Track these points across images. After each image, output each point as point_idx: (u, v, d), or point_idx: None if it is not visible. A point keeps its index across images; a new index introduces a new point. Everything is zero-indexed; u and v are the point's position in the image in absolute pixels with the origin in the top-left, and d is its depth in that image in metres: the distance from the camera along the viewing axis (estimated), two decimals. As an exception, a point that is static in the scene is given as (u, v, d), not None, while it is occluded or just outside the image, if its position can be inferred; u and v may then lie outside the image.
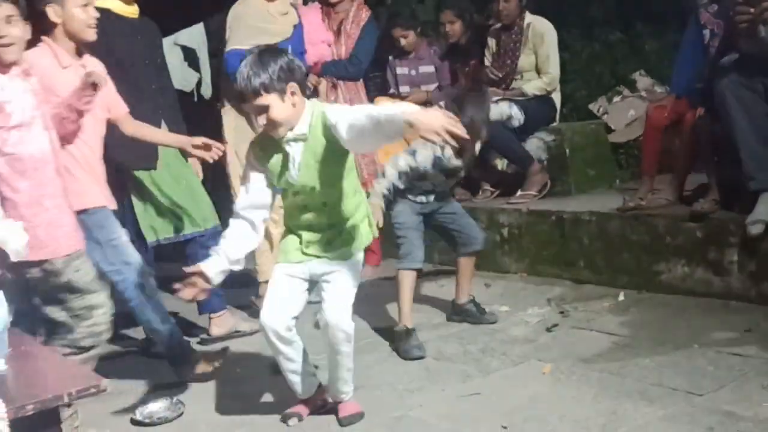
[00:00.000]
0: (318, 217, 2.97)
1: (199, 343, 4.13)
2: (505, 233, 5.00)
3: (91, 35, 3.26)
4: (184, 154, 3.86)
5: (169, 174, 3.99)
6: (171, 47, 5.37)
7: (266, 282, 4.45)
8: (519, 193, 5.14)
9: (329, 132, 2.82)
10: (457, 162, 3.81)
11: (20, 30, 2.77)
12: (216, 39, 4.81)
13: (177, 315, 4.06)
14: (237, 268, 2.93)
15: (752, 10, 3.71)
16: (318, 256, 2.99)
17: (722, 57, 4.08)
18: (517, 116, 4.22)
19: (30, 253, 2.68)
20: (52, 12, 3.19)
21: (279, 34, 4.49)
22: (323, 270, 3.00)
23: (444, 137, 2.49)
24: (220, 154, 3.55)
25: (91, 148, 3.30)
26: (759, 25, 3.72)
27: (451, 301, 4.20)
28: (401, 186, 3.80)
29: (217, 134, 4.54)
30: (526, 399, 3.12)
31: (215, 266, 2.86)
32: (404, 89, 5.82)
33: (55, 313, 2.92)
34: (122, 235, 3.45)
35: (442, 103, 5.53)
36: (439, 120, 2.50)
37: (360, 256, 3.06)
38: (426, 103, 5.65)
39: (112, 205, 3.43)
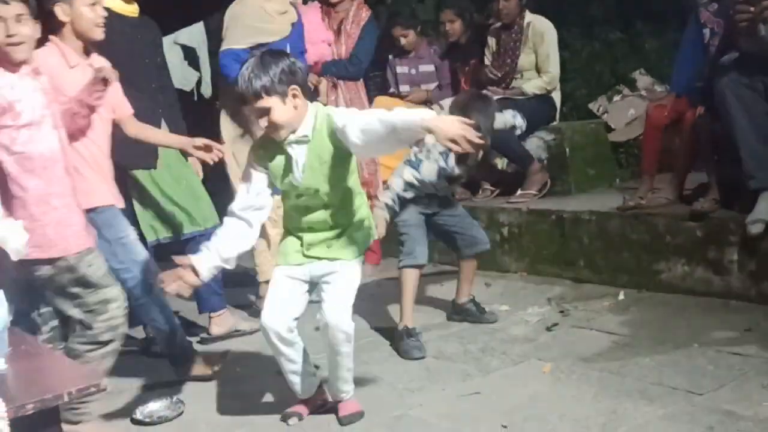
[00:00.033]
0: (320, 219, 2.97)
1: (199, 342, 4.13)
2: (505, 232, 5.00)
3: (98, 34, 3.27)
4: (185, 153, 3.86)
5: (170, 173, 3.99)
6: (171, 46, 5.38)
7: (266, 282, 4.48)
8: (519, 192, 5.14)
9: (335, 135, 2.83)
10: (460, 169, 3.83)
11: (30, 29, 2.77)
12: (216, 38, 4.81)
13: (177, 314, 4.05)
14: (228, 266, 2.93)
15: (752, 8, 3.72)
16: (319, 258, 2.99)
17: (722, 56, 4.08)
18: (521, 125, 4.28)
19: (39, 251, 2.74)
20: (60, 11, 3.19)
21: (276, 33, 4.49)
22: (324, 271, 3.00)
23: (462, 144, 2.56)
24: (220, 155, 3.56)
25: (99, 147, 3.30)
26: (759, 23, 3.72)
27: (452, 300, 4.20)
28: (408, 197, 3.80)
29: (216, 133, 4.55)
30: (526, 398, 3.12)
31: (206, 262, 2.85)
32: (404, 88, 5.83)
33: (71, 310, 2.93)
34: (131, 234, 3.46)
35: (442, 103, 5.57)
36: (456, 126, 2.58)
37: (360, 257, 3.06)
38: (426, 102, 5.67)
39: (120, 203, 3.43)
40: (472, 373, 3.43)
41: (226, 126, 4.60)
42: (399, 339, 3.76)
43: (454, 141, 2.56)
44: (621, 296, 4.22)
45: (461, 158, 3.74)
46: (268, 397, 3.37)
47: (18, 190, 2.76)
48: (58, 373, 2.23)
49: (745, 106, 3.85)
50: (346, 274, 2.98)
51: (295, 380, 3.08)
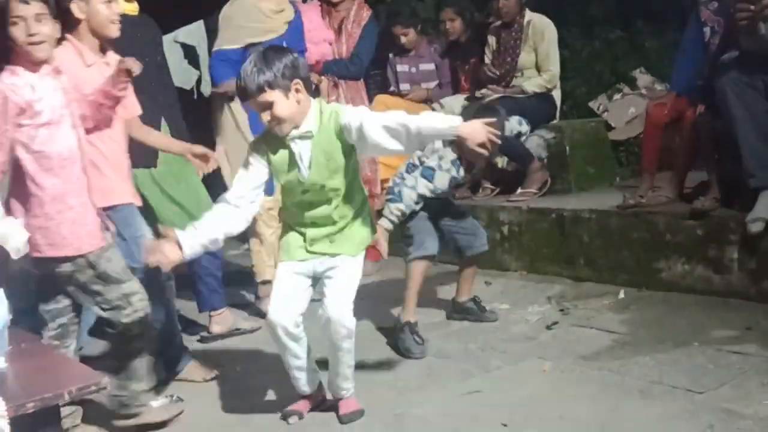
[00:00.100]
0: (324, 214, 2.98)
1: (199, 340, 4.14)
2: (506, 231, 4.99)
3: (114, 31, 3.26)
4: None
5: (170, 172, 3.98)
6: (171, 45, 5.38)
7: (263, 282, 4.49)
8: (519, 190, 5.14)
9: (342, 132, 2.85)
10: (466, 176, 3.88)
11: (50, 28, 2.78)
12: (215, 36, 4.82)
13: (177, 313, 4.05)
14: (212, 247, 2.93)
15: (752, 7, 3.72)
16: (322, 254, 3.00)
17: (722, 54, 4.08)
18: (526, 131, 4.31)
19: (53, 249, 2.79)
20: (76, 8, 3.18)
21: (270, 31, 4.48)
22: (326, 266, 3.00)
23: (489, 147, 2.73)
24: (215, 167, 3.56)
25: (117, 143, 3.29)
26: (759, 22, 3.72)
27: (452, 299, 4.20)
28: (416, 209, 3.78)
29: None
30: (527, 397, 3.12)
31: (191, 238, 2.82)
32: (404, 87, 5.83)
33: (94, 308, 2.97)
34: (147, 233, 3.45)
35: (441, 102, 5.57)
36: (483, 131, 2.77)
37: (362, 252, 3.07)
38: (426, 101, 5.67)
39: (138, 201, 3.43)
40: (472, 372, 3.44)
41: (219, 123, 4.59)
42: (400, 333, 3.74)
43: (482, 145, 2.72)
44: (621, 295, 4.22)
45: (469, 166, 3.79)
46: (268, 396, 3.38)
47: (35, 188, 2.79)
48: (59, 372, 2.23)
49: (746, 105, 3.85)
50: (347, 269, 2.99)
51: (299, 376, 3.08)
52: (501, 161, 5.46)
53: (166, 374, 3.61)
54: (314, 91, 4.80)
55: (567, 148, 5.30)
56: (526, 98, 5.22)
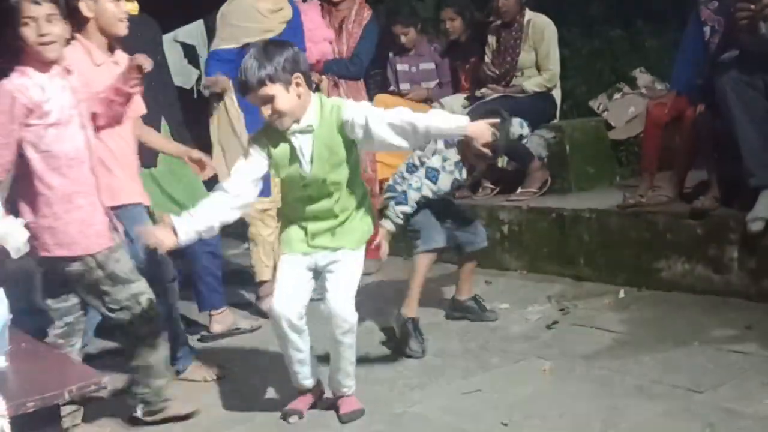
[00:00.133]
0: (325, 208, 2.98)
1: (199, 340, 4.14)
2: (506, 230, 4.99)
3: (122, 29, 3.27)
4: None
5: (170, 172, 3.98)
6: (171, 44, 5.39)
7: (262, 282, 4.50)
8: (519, 190, 5.14)
9: (344, 127, 2.86)
10: (468, 179, 3.90)
11: (61, 28, 2.79)
12: (215, 36, 4.81)
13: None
14: (206, 235, 2.92)
15: (753, 6, 3.71)
16: (324, 247, 3.00)
17: (723, 54, 4.07)
18: (527, 134, 4.33)
19: (61, 249, 2.82)
20: (84, 6, 3.18)
21: (267, 31, 4.46)
22: (327, 260, 3.01)
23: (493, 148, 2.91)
24: (211, 174, 3.55)
25: (126, 142, 3.29)
26: (759, 21, 3.72)
27: (451, 297, 4.20)
28: (416, 207, 3.78)
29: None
30: (527, 396, 3.12)
31: (186, 225, 2.80)
32: (404, 86, 5.83)
33: (101, 308, 2.99)
34: None
35: (441, 101, 5.57)
36: (489, 132, 2.87)
37: (363, 246, 3.07)
38: (426, 100, 5.67)
39: (147, 201, 3.43)
40: (472, 371, 3.44)
41: (215, 122, 4.59)
42: (402, 329, 3.71)
43: (487, 146, 2.83)
44: (621, 294, 4.22)
45: (471, 168, 3.80)
46: (268, 395, 3.38)
47: (43, 188, 2.80)
48: (59, 371, 2.23)
49: (746, 104, 3.84)
50: (348, 263, 2.99)
51: (299, 370, 3.08)
52: (501, 161, 5.46)
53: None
54: (315, 90, 4.84)
55: (567, 147, 5.30)
56: (526, 97, 5.22)
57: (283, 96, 2.80)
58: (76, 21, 3.14)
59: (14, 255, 2.43)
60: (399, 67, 5.85)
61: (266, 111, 2.83)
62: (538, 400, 3.07)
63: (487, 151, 2.93)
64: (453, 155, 3.74)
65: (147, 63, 3.05)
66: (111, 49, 3.29)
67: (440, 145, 3.76)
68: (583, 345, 3.59)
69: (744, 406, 2.81)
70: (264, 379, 3.50)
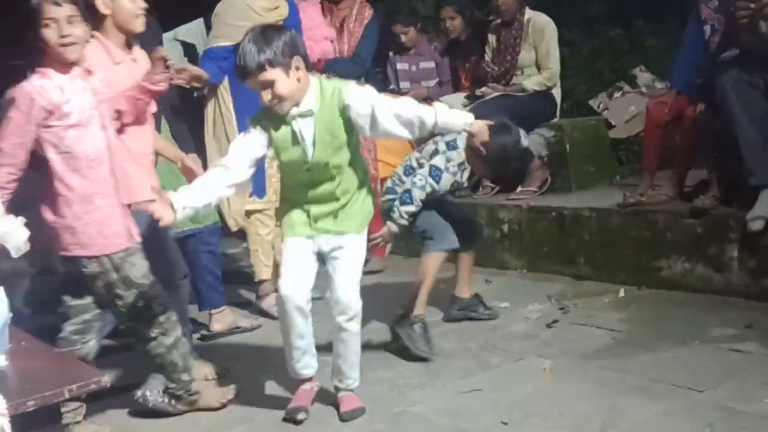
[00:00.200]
0: (327, 191, 2.98)
1: (199, 339, 4.13)
2: (506, 229, 4.99)
3: (139, 25, 3.24)
4: (183, 149, 3.85)
5: (170, 171, 3.97)
6: (171, 43, 5.37)
7: (261, 281, 4.49)
8: (519, 189, 5.14)
9: (345, 110, 2.86)
10: (467, 181, 3.93)
11: (81, 30, 2.79)
12: (215, 35, 4.81)
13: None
14: (204, 210, 2.96)
15: (753, 5, 3.71)
16: (327, 231, 3.00)
17: (723, 52, 4.08)
18: (526, 146, 4.33)
19: (79, 249, 2.84)
20: (101, 3, 3.17)
21: None
22: (331, 246, 3.00)
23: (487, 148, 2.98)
24: None
25: (144, 141, 3.28)
26: (759, 20, 3.72)
27: (451, 296, 4.19)
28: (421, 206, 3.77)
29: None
30: (527, 395, 3.12)
31: (183, 200, 2.79)
32: (404, 85, 5.83)
33: (115, 310, 3.02)
34: (168, 232, 3.45)
35: (441, 100, 5.56)
36: (487, 131, 2.93)
37: (366, 228, 3.08)
38: (426, 99, 5.66)
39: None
40: (472, 370, 3.44)
41: (209, 119, 4.58)
42: (409, 327, 3.67)
43: (485, 144, 2.90)
44: (621, 293, 4.22)
45: (472, 173, 3.82)
46: (269, 394, 3.37)
47: (63, 188, 2.81)
48: (59, 370, 2.23)
49: (746, 103, 3.85)
50: (353, 249, 3.00)
51: (299, 358, 3.07)
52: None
53: None
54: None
55: (567, 146, 5.30)
56: (526, 96, 5.22)
57: (283, 80, 2.79)
58: (93, 19, 3.14)
59: (14, 254, 2.42)
60: (399, 65, 5.86)
61: (266, 96, 2.82)
62: (538, 399, 3.07)
63: (483, 149, 2.99)
64: (456, 157, 3.74)
65: (168, 55, 3.06)
66: (128, 46, 3.29)
67: (441, 145, 3.76)
68: (583, 344, 3.60)
69: (744, 405, 2.81)
70: (264, 378, 3.49)
